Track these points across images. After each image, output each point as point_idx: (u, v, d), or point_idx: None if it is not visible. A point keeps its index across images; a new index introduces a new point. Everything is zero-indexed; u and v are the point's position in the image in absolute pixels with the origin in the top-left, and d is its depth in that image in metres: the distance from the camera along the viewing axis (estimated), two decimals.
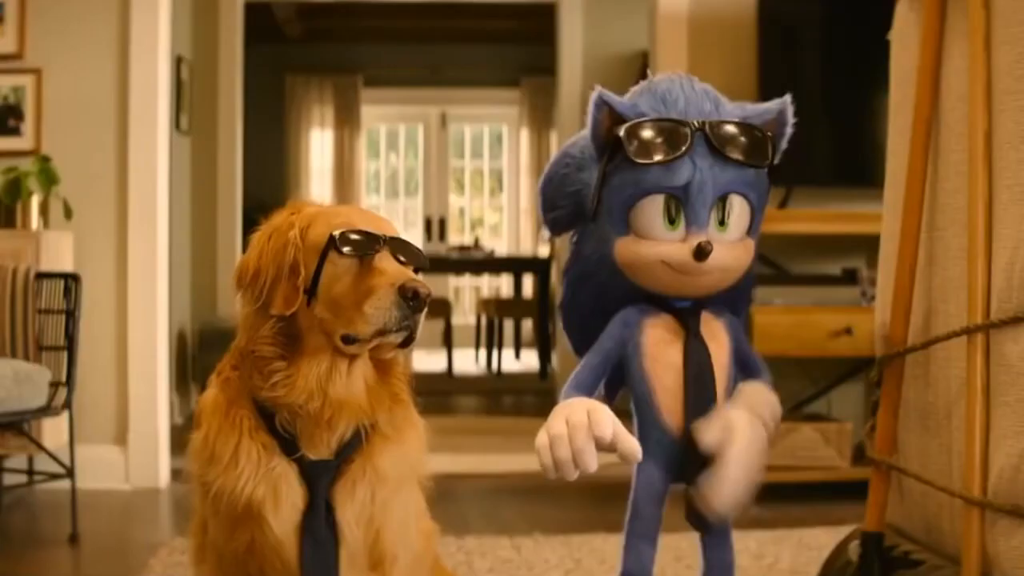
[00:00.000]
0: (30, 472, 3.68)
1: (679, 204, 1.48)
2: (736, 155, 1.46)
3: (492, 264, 8.60)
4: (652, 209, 1.49)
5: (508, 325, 9.00)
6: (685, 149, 1.46)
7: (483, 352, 8.61)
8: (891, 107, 2.00)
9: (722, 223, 1.49)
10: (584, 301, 1.65)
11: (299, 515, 1.56)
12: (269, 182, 8.91)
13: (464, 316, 10.05)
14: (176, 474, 4.07)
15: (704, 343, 1.53)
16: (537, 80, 9.47)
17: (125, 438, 3.99)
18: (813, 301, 3.77)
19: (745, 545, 3.07)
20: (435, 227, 9.93)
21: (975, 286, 1.62)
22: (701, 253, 1.45)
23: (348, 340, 1.54)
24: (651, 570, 1.55)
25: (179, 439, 4.28)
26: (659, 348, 1.52)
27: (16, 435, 3.36)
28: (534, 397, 6.79)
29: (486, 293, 10.06)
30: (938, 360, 1.76)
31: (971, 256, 1.63)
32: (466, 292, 10.41)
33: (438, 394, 6.76)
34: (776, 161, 1.54)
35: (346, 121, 9.62)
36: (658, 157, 1.47)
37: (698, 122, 1.48)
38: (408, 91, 9.85)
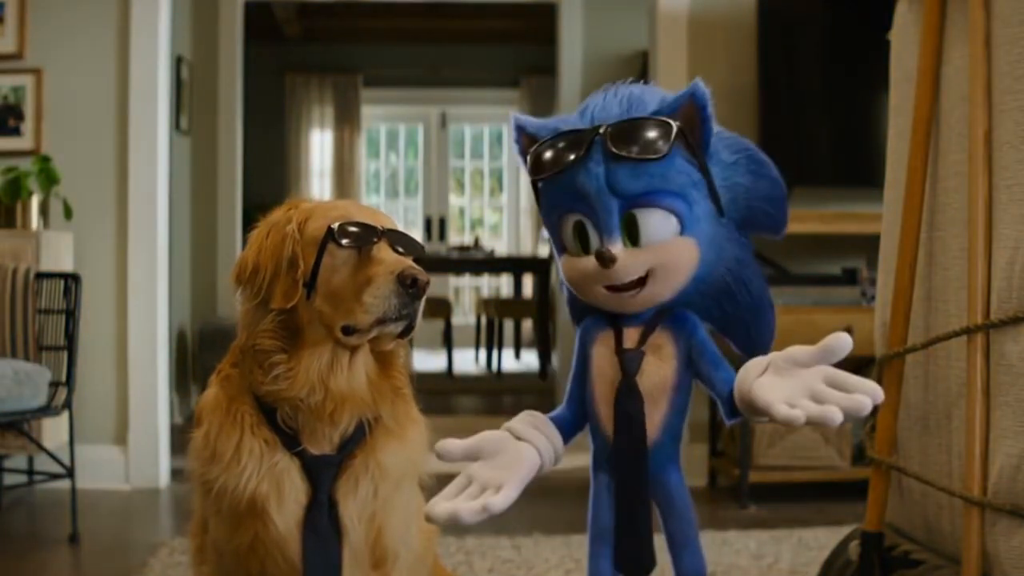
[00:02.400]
0: (30, 472, 3.68)
1: (591, 222, 1.44)
2: (626, 152, 1.39)
3: (492, 264, 8.59)
4: (566, 229, 1.48)
5: (508, 325, 9.00)
6: (575, 158, 1.41)
7: (483, 352, 8.61)
8: (891, 107, 2.00)
9: (633, 240, 1.42)
10: (577, 302, 1.65)
11: (302, 511, 1.56)
12: (269, 182, 8.91)
13: (464, 316, 10.05)
14: (176, 474, 4.07)
15: (637, 357, 1.48)
16: (537, 80, 9.46)
17: (125, 438, 3.99)
18: (813, 301, 3.77)
19: (745, 545, 3.07)
20: (435, 227, 9.93)
21: (975, 286, 1.62)
22: (602, 259, 1.40)
23: (348, 331, 1.54)
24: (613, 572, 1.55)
25: (179, 439, 4.29)
26: (603, 360, 1.51)
27: (16, 435, 3.37)
28: (534, 397, 6.79)
29: (486, 293, 10.06)
30: (938, 360, 1.76)
31: (971, 256, 1.63)
32: (466, 292, 10.41)
33: (438, 394, 6.75)
34: (704, 148, 1.44)
35: (346, 121, 9.62)
36: (547, 172, 1.45)
37: (594, 129, 1.43)
38: (408, 91, 9.85)
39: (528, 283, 8.75)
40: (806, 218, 3.77)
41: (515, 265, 8.60)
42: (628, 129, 1.41)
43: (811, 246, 4.08)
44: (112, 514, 3.64)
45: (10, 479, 3.75)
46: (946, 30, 1.78)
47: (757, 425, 3.71)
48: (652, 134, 1.41)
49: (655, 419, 1.49)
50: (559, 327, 6.35)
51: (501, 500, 1.38)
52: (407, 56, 9.64)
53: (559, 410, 1.57)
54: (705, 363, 1.48)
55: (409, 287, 1.50)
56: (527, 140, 1.52)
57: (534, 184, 1.51)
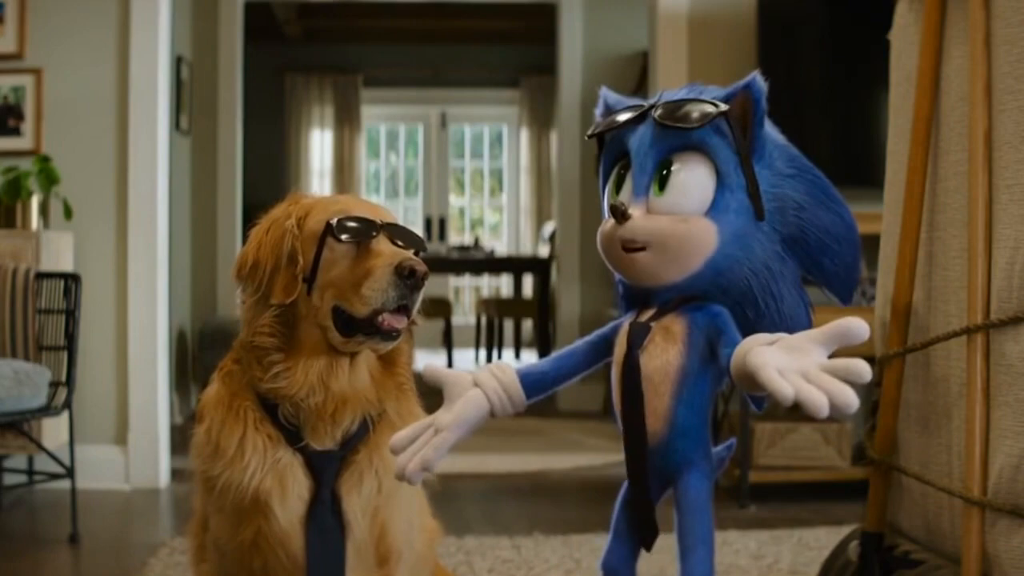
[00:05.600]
0: (30, 472, 3.68)
1: (630, 176, 1.51)
2: (663, 119, 1.46)
3: (492, 264, 8.59)
4: (611, 182, 1.54)
5: (508, 325, 9.00)
6: (630, 118, 1.50)
7: (483, 352, 8.62)
8: (891, 107, 2.00)
9: (661, 187, 1.46)
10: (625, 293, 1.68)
11: (305, 506, 1.55)
12: (269, 182, 8.90)
13: (464, 316, 10.05)
14: (176, 474, 4.07)
15: (642, 331, 1.48)
16: (537, 80, 9.47)
17: (125, 438, 3.99)
18: (813, 301, 3.77)
19: (745, 545, 3.07)
20: (435, 227, 9.93)
21: (975, 286, 1.62)
22: (616, 212, 1.45)
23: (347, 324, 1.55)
24: (618, 567, 1.56)
25: (179, 439, 4.29)
26: (619, 351, 1.52)
27: (16, 435, 3.37)
28: None
29: (486, 293, 10.06)
30: (938, 360, 1.76)
31: (971, 256, 1.63)
32: (466, 292, 10.42)
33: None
34: (751, 141, 1.47)
35: (346, 121, 9.62)
36: (602, 129, 1.54)
37: (651, 104, 1.51)
38: (408, 91, 9.85)
39: (528, 283, 8.75)
40: None
41: (515, 265, 8.60)
42: (677, 105, 1.47)
43: None
44: (112, 514, 3.64)
45: (10, 479, 3.75)
46: (946, 30, 1.78)
47: (757, 425, 3.71)
48: (695, 109, 1.46)
49: (658, 409, 1.47)
50: (559, 327, 6.35)
51: (433, 452, 1.45)
52: (407, 56, 9.64)
53: (539, 363, 1.58)
54: (721, 343, 1.46)
55: (407, 278, 1.49)
56: (606, 111, 1.59)
57: (598, 149, 1.59)
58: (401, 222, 1.64)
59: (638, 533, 1.53)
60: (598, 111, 1.59)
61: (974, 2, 1.66)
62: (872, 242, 2.17)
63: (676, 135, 1.45)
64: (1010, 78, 1.59)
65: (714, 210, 1.44)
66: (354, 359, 1.57)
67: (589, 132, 1.56)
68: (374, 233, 1.56)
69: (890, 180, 1.97)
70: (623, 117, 1.51)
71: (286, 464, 1.55)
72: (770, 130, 1.53)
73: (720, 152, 1.46)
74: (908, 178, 1.81)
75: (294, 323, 1.56)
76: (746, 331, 1.47)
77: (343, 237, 1.54)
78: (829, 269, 1.54)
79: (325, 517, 1.55)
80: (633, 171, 1.49)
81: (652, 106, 1.50)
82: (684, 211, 1.45)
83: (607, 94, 1.60)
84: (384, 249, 1.54)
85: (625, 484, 1.56)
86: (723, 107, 1.46)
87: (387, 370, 1.62)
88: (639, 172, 1.48)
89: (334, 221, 1.55)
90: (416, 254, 1.57)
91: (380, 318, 1.50)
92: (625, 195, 1.50)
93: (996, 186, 1.61)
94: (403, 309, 1.52)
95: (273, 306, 1.56)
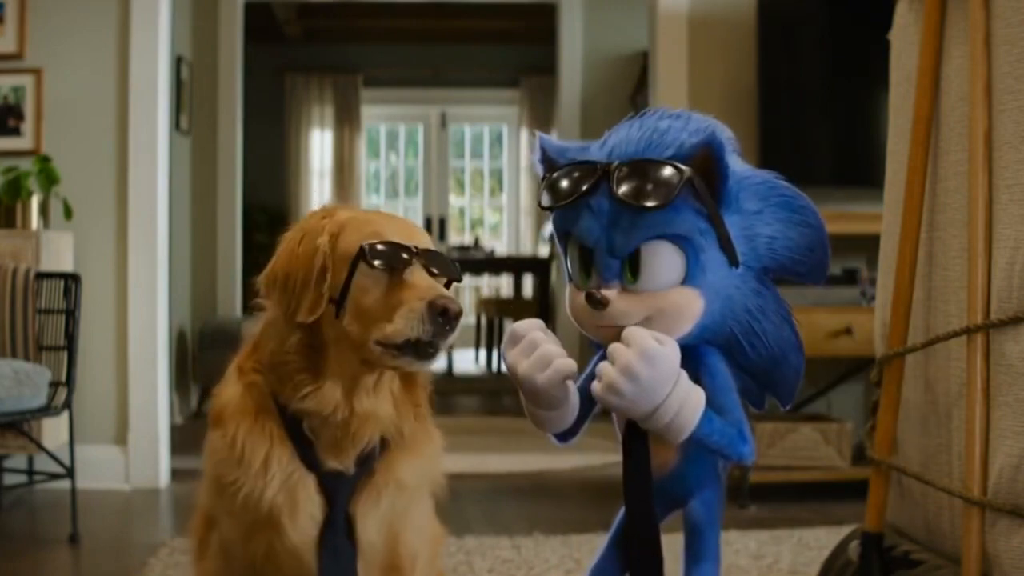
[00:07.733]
0: (30, 472, 3.68)
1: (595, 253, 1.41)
2: (627, 198, 1.34)
3: (492, 264, 8.60)
4: (572, 257, 1.45)
5: (508, 325, 9.00)
6: (578, 194, 1.39)
7: (483, 352, 8.61)
8: (891, 107, 2.00)
9: (634, 275, 1.37)
10: None
11: (317, 526, 1.54)
12: (269, 182, 8.92)
13: (464, 316, 10.05)
14: (176, 474, 4.07)
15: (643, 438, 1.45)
16: (537, 80, 9.46)
17: (125, 438, 3.99)
18: (813, 301, 3.77)
19: (745, 545, 3.07)
20: (435, 227, 9.93)
21: (975, 286, 1.62)
22: (593, 302, 1.37)
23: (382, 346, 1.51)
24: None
25: (179, 439, 4.29)
26: (619, 427, 1.50)
27: (16, 435, 3.37)
28: None
29: (486, 293, 10.06)
30: (938, 360, 1.76)
31: (971, 256, 1.63)
32: (466, 292, 10.42)
33: (438, 394, 6.74)
34: (718, 196, 1.37)
35: (346, 121, 9.62)
36: (549, 202, 1.43)
37: (605, 165, 1.38)
38: (408, 91, 9.85)
39: (528, 283, 8.75)
40: None
41: (515, 265, 8.60)
42: (635, 172, 1.36)
43: None
44: (112, 514, 3.64)
45: (10, 479, 3.75)
46: (946, 30, 1.78)
47: (757, 425, 3.71)
48: (658, 181, 1.35)
49: (671, 443, 1.46)
50: (559, 327, 6.35)
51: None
52: (407, 56, 9.64)
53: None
54: (711, 389, 1.41)
55: (440, 316, 1.47)
56: (547, 162, 1.49)
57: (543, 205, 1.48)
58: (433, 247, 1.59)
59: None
60: (536, 157, 1.49)
61: (974, 2, 1.67)
62: (872, 242, 2.18)
63: (643, 212, 1.35)
64: (1010, 78, 1.59)
65: (691, 278, 1.37)
66: (378, 381, 1.56)
67: (543, 207, 1.45)
68: (408, 260, 1.51)
69: (890, 180, 1.98)
70: (576, 193, 1.39)
71: (297, 480, 1.53)
72: (734, 167, 1.42)
73: (686, 222, 1.37)
74: (908, 178, 1.81)
75: (321, 346, 1.54)
76: (735, 369, 1.45)
77: (376, 263, 1.49)
78: (803, 272, 1.51)
79: (338, 536, 1.54)
80: (597, 258, 1.40)
81: (605, 171, 1.37)
82: (661, 287, 1.38)
83: (547, 142, 1.49)
84: (418, 281, 1.50)
85: (620, 514, 1.54)
86: (686, 171, 1.35)
87: (407, 389, 1.61)
88: (599, 253, 1.39)
89: (367, 245, 1.50)
90: (449, 284, 1.56)
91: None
92: (596, 272, 1.40)
93: (996, 186, 1.61)
94: (433, 347, 1.49)
95: (299, 325, 1.53)
